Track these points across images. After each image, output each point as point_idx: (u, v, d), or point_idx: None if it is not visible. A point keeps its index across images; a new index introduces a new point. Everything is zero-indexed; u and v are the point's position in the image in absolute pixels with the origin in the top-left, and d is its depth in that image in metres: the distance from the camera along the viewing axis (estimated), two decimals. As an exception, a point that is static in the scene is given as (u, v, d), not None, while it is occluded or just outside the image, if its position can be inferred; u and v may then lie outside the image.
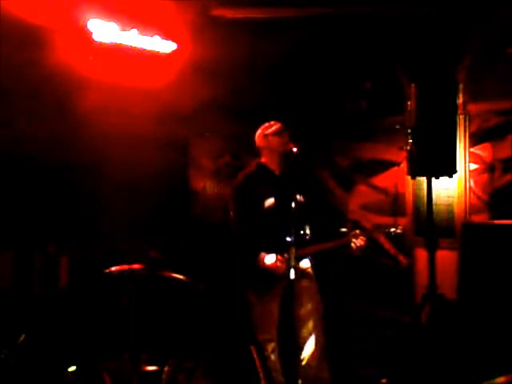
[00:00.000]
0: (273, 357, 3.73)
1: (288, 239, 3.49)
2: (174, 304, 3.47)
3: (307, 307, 3.78)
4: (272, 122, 3.89)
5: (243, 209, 3.81)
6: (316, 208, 3.89)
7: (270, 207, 3.73)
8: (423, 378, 4.05)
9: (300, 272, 3.73)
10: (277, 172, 3.87)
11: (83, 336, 3.24)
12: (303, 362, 3.77)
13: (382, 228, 3.96)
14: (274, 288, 3.71)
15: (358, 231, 3.75)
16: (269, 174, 3.87)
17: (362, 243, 3.72)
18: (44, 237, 4.95)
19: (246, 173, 3.94)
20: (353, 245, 3.71)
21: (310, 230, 3.85)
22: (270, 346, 3.72)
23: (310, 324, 3.77)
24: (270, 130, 3.85)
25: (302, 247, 3.69)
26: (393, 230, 3.88)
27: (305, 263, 3.86)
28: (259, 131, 3.91)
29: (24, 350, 2.91)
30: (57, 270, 4.95)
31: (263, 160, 3.89)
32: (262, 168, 3.89)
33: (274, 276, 3.66)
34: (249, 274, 3.75)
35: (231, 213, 3.87)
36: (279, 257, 3.64)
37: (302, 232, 3.77)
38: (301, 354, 3.77)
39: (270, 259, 3.65)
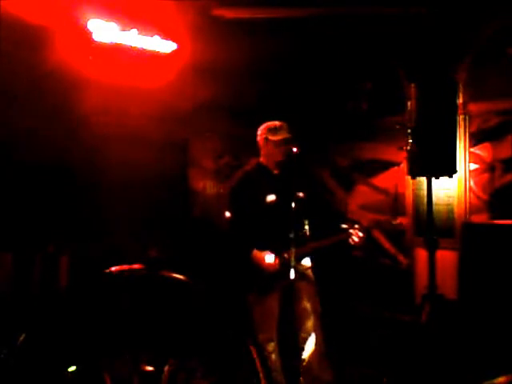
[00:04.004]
0: (273, 356, 3.73)
1: (289, 236, 3.52)
2: (174, 304, 3.47)
3: (306, 307, 3.78)
4: (277, 125, 3.82)
5: (239, 207, 3.82)
6: (314, 206, 3.88)
7: (271, 203, 3.71)
8: (423, 377, 4.06)
9: (300, 272, 3.73)
10: (275, 171, 3.86)
11: (83, 336, 3.23)
12: (304, 363, 3.78)
13: (381, 222, 3.96)
14: (273, 287, 3.71)
15: (356, 226, 3.75)
16: (267, 172, 3.86)
17: (361, 238, 3.71)
18: (44, 237, 4.94)
19: (244, 171, 3.94)
20: (351, 240, 3.71)
21: (309, 227, 3.84)
22: (270, 346, 3.72)
23: (309, 324, 3.77)
24: (272, 138, 3.81)
25: (301, 245, 3.70)
26: (392, 222, 3.89)
27: (305, 263, 3.86)
28: (262, 130, 3.87)
29: (24, 350, 2.91)
30: (57, 270, 4.94)
31: (262, 159, 3.89)
32: (261, 167, 3.88)
33: (273, 275, 3.66)
34: (248, 273, 3.76)
35: (228, 211, 3.87)
36: (272, 254, 3.65)
37: (300, 230, 3.77)
38: (301, 354, 3.78)
39: (263, 256, 3.66)
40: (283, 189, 3.71)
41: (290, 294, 3.68)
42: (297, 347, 3.78)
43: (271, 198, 3.75)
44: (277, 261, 3.65)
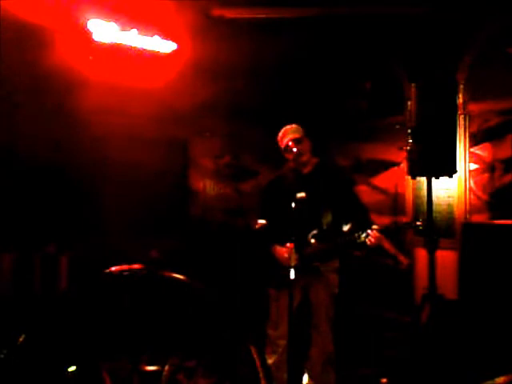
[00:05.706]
0: (282, 354, 3.72)
1: (314, 232, 3.63)
2: (173, 304, 3.47)
3: (319, 308, 3.79)
4: (281, 132, 3.88)
5: (267, 206, 3.92)
6: (341, 205, 3.86)
7: (301, 199, 3.68)
8: (423, 377, 4.05)
9: (316, 272, 3.74)
10: (304, 171, 3.89)
11: (83, 336, 3.23)
12: (309, 361, 3.79)
13: (403, 223, 3.94)
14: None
15: (374, 226, 3.71)
16: (295, 173, 3.90)
17: (377, 239, 3.66)
18: (44, 237, 4.95)
19: (276, 174, 4.05)
20: (368, 241, 3.67)
21: (332, 226, 3.83)
22: (281, 343, 3.71)
23: (320, 325, 3.78)
24: (282, 146, 3.87)
25: (318, 245, 3.73)
26: (418, 223, 3.83)
27: (329, 264, 3.85)
28: (279, 141, 3.91)
29: (24, 350, 2.90)
30: (57, 270, 4.95)
31: (290, 164, 3.92)
32: (290, 169, 3.93)
33: (287, 271, 3.64)
34: (270, 269, 3.78)
35: (257, 209, 3.96)
36: (287, 248, 3.65)
37: (321, 230, 3.78)
38: (309, 353, 3.79)
39: (278, 250, 3.68)
40: (309, 188, 3.71)
41: (290, 293, 3.69)
42: (305, 346, 3.80)
43: (301, 194, 3.73)
44: (287, 253, 3.64)
